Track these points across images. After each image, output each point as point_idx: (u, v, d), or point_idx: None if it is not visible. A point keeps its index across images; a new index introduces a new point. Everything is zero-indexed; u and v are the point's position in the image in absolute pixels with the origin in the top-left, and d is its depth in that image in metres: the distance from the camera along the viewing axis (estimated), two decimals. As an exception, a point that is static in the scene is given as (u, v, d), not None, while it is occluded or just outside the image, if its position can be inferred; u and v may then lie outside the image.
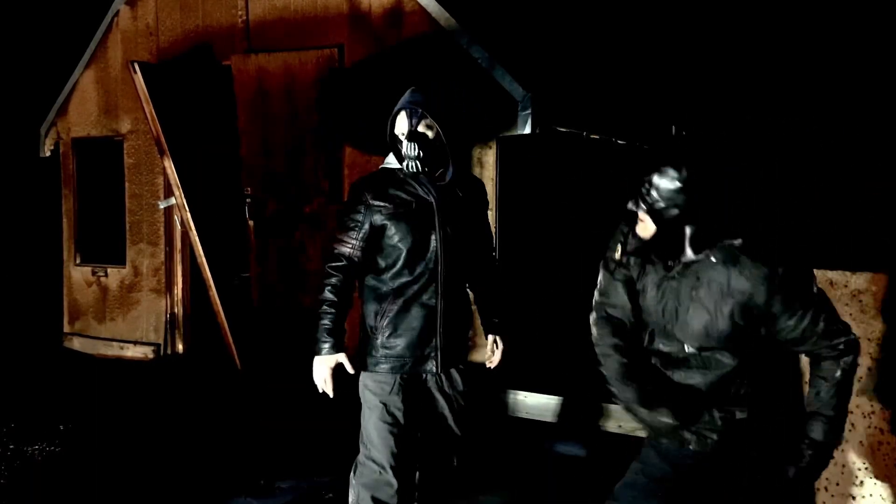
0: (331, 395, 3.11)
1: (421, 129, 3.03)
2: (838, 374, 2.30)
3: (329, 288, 3.06)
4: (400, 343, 3.08)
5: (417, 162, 3.03)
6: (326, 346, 3.05)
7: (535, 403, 5.29)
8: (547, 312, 6.38)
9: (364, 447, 3.13)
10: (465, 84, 5.48)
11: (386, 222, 3.05)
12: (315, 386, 3.12)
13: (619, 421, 4.92)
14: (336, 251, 3.09)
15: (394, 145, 3.11)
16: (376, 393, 3.10)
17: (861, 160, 7.85)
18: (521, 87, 5.31)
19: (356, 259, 3.08)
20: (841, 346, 2.29)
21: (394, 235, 3.05)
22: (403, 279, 3.05)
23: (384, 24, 5.90)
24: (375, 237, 3.07)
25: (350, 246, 3.07)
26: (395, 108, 3.11)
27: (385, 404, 3.08)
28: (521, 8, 7.01)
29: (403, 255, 3.04)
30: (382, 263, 3.10)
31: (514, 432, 5.22)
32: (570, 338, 6.48)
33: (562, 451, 4.95)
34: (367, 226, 3.06)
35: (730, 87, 8.73)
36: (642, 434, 4.98)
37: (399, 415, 3.08)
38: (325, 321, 3.05)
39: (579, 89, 6.56)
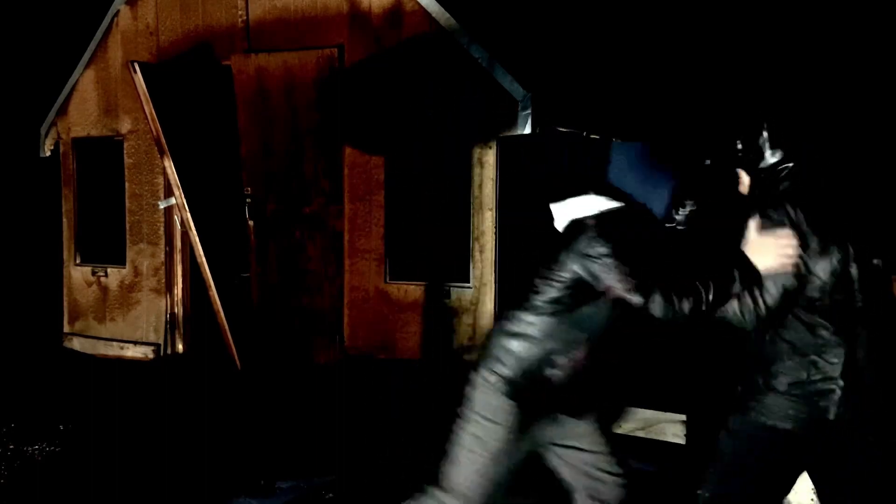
0: None
1: None
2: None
3: None
4: None
5: None
6: None
7: (535, 403, 5.27)
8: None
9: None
10: (465, 84, 5.48)
11: None
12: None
13: (619, 421, 4.91)
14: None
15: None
16: None
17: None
18: (521, 87, 5.31)
19: None
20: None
21: None
22: None
23: (384, 24, 5.90)
24: None
25: None
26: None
27: None
28: (520, 8, 7.01)
29: None
30: None
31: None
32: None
33: (562, 451, 4.92)
34: None
35: (729, 85, 8.73)
36: (642, 434, 4.98)
37: None
38: None
39: (579, 89, 6.56)
